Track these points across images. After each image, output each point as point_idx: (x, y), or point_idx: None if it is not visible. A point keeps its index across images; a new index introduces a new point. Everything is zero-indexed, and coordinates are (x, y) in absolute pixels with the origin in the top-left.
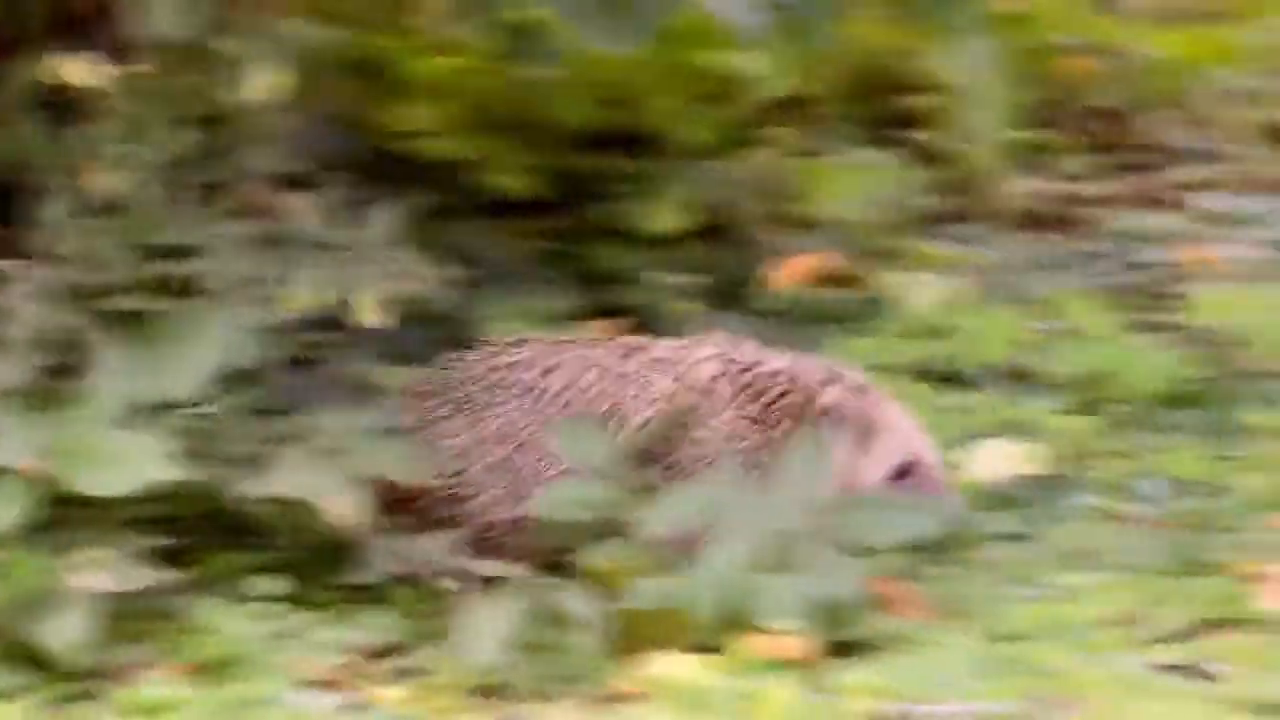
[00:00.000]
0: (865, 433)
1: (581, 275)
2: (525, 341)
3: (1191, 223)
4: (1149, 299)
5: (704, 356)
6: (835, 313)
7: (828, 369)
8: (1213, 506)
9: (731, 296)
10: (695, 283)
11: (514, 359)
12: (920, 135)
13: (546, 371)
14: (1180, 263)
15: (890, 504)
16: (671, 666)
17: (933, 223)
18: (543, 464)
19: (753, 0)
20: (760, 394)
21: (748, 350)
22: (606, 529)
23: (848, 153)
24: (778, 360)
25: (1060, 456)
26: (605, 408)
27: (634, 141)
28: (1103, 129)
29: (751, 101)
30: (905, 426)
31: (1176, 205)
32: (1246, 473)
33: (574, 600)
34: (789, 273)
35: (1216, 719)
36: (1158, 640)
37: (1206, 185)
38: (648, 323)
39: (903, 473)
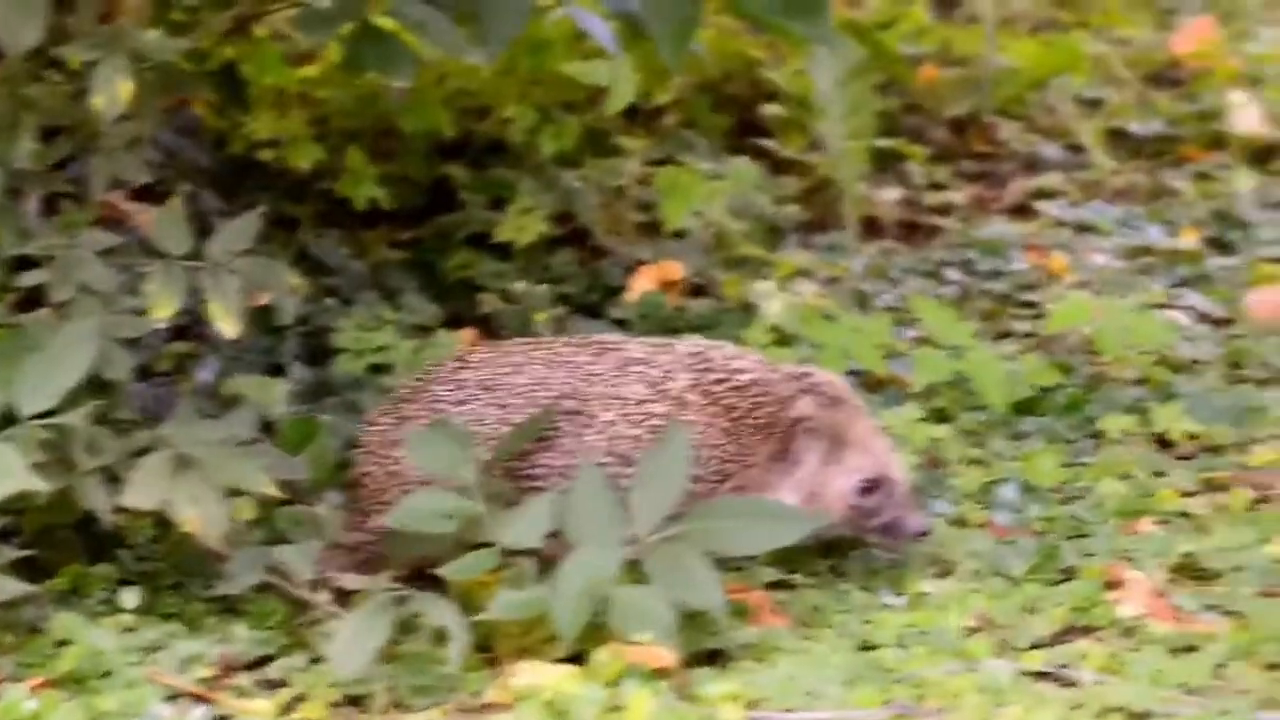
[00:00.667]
0: (834, 445)
1: (440, 284)
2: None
3: (1043, 230)
4: (1002, 307)
5: (678, 363)
6: (692, 321)
7: (802, 379)
8: (1069, 512)
9: (590, 305)
10: (554, 291)
11: (482, 359)
12: (776, 144)
13: (514, 370)
14: (1032, 271)
15: (753, 512)
16: (537, 677)
17: (789, 231)
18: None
19: (608, 10)
20: (732, 405)
21: (722, 358)
22: (467, 539)
23: (705, 162)
24: (753, 369)
25: (918, 465)
26: (572, 406)
27: (492, 150)
28: (954, 137)
29: (608, 111)
30: (875, 442)
31: (1028, 213)
32: (1101, 478)
33: (439, 611)
34: (646, 281)
35: None
36: (1022, 646)
37: (1057, 193)
38: (506, 332)
39: (869, 488)
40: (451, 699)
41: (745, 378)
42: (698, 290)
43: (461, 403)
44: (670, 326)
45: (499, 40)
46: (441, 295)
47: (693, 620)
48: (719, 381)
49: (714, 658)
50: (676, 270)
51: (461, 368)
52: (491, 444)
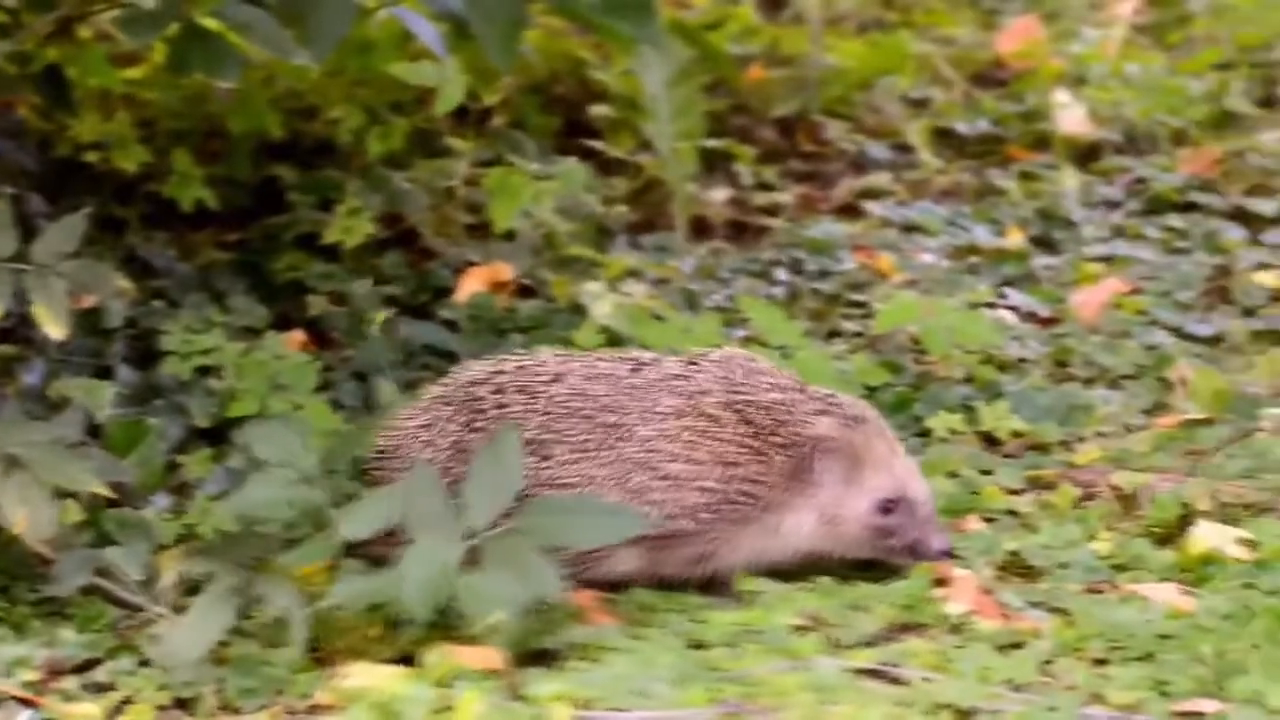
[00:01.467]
0: (853, 466)
1: (268, 286)
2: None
3: (870, 230)
4: (831, 306)
5: (712, 379)
6: (522, 323)
7: (826, 399)
8: None
9: (419, 306)
10: (382, 293)
11: (521, 368)
12: (605, 145)
13: (554, 379)
14: (860, 270)
15: (584, 508)
16: (368, 678)
17: (618, 232)
18: (547, 471)
19: (435, 11)
20: (757, 423)
21: (751, 374)
22: (305, 531)
23: (533, 163)
24: (779, 388)
25: None
26: (612, 420)
27: (320, 151)
28: (782, 138)
29: (436, 112)
30: (895, 462)
31: (856, 213)
32: (928, 477)
33: (280, 596)
34: (476, 282)
35: None
36: (851, 644)
37: (884, 193)
38: (336, 334)
39: (889, 508)
40: (280, 701)
41: (770, 397)
42: (527, 291)
43: (502, 406)
44: (499, 328)
45: (326, 41)
46: (270, 297)
47: (528, 618)
48: (748, 401)
49: (544, 657)
50: (506, 271)
51: (498, 372)
52: (531, 448)
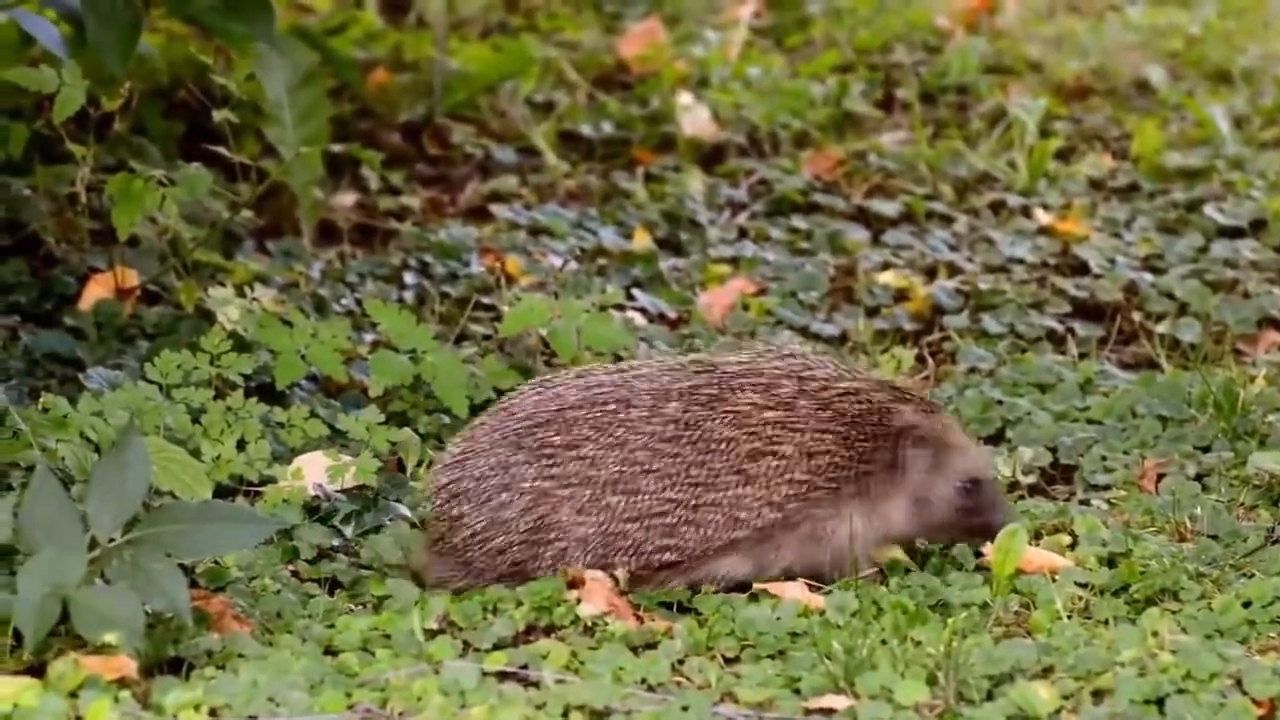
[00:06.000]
0: (939, 451)
1: None
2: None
3: (498, 233)
4: (460, 310)
5: (782, 372)
6: (148, 329)
7: (895, 388)
8: None
9: (43, 314)
10: (4, 301)
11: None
12: (229, 151)
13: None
14: (489, 273)
15: (212, 515)
16: None
17: (245, 237)
18: (638, 502)
19: (59, 14)
20: (840, 412)
21: (821, 366)
22: None
23: (157, 168)
24: (846, 375)
25: (379, 468)
26: (689, 435)
27: None
28: (408, 142)
29: (56, 117)
30: (970, 445)
31: (483, 216)
32: None
33: None
34: (100, 289)
35: None
36: (485, 647)
37: (511, 196)
38: None
39: (970, 489)
40: None
41: (845, 384)
42: (153, 298)
43: (574, 446)
44: (125, 335)
45: None
46: None
47: (154, 628)
48: (823, 388)
49: (176, 666)
50: (131, 277)
51: (560, 410)
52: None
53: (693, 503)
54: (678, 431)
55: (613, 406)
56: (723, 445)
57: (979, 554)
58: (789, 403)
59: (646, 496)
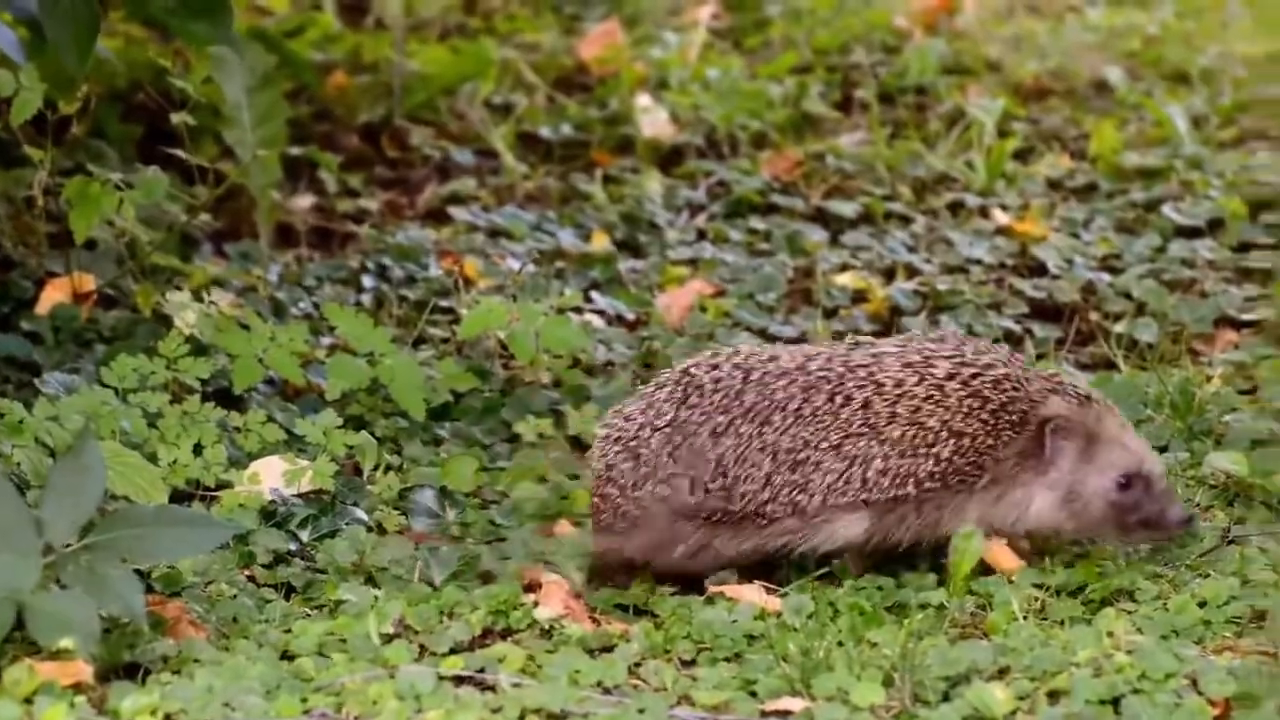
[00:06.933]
0: (1089, 444)
1: None
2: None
3: (457, 236)
4: (418, 313)
5: (939, 354)
6: (105, 333)
7: (1050, 379)
8: (487, 517)
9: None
10: None
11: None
12: (187, 154)
13: (770, 358)
14: (447, 276)
15: (169, 520)
16: None
17: (202, 241)
18: (768, 436)
19: (16, 17)
20: (988, 398)
21: (978, 352)
22: None
23: (114, 172)
24: (1004, 364)
25: (336, 472)
26: (829, 389)
27: None
28: (366, 144)
29: (13, 120)
30: (1129, 437)
31: (442, 219)
32: (518, 482)
33: None
34: (57, 293)
35: None
36: (442, 651)
37: (470, 198)
38: None
39: (1128, 483)
40: None
41: (998, 371)
42: (110, 302)
43: (718, 380)
44: (83, 339)
45: None
46: None
47: (109, 633)
48: (975, 375)
49: (131, 671)
50: (88, 281)
51: (714, 355)
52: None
53: (820, 444)
54: (814, 382)
55: (763, 356)
56: (857, 403)
57: (941, 556)
58: (940, 384)
59: (776, 430)
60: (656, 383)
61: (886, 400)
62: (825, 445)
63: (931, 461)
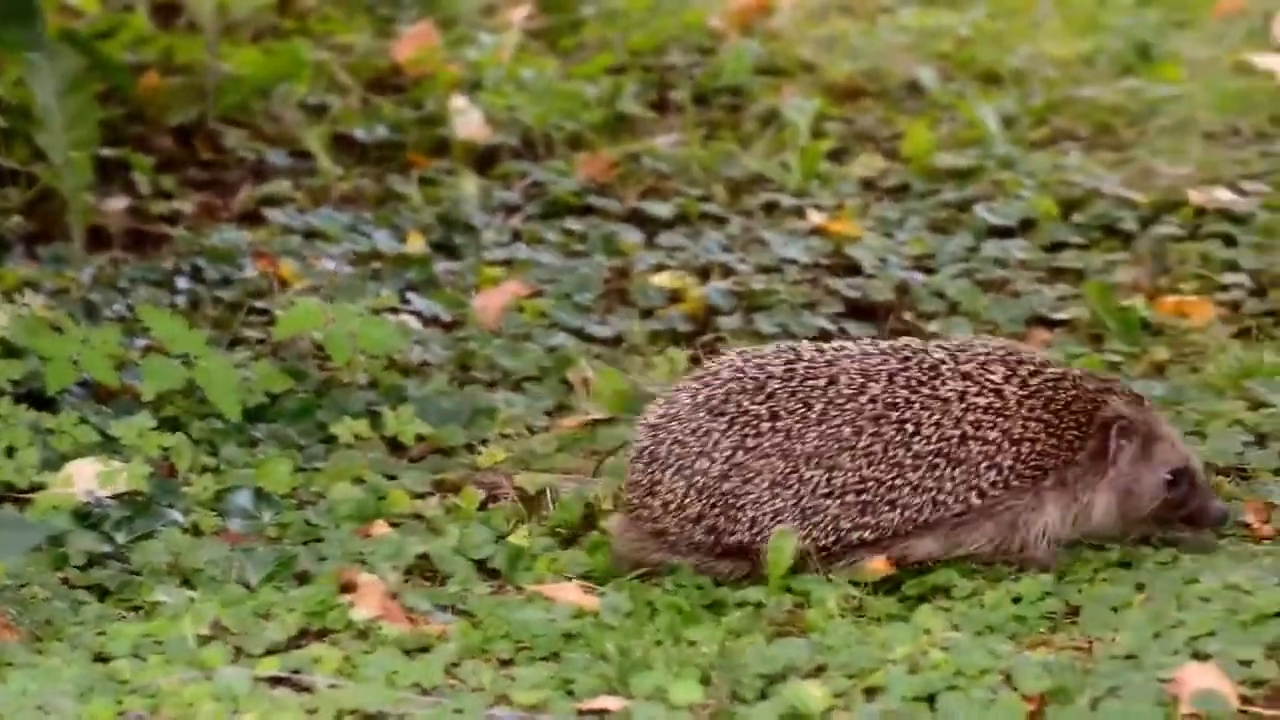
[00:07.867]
0: (1145, 443)
1: None
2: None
3: (272, 237)
4: (233, 314)
5: (990, 357)
6: None
7: (1099, 379)
8: (303, 518)
9: None
10: None
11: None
12: None
13: (830, 382)
14: (262, 277)
15: None
16: None
17: (14, 243)
18: (835, 478)
19: None
20: (1049, 399)
21: (1029, 353)
22: None
23: None
24: (1055, 364)
25: (151, 474)
26: (896, 415)
27: None
28: (180, 146)
29: None
30: (1175, 435)
31: (257, 220)
32: (333, 483)
33: None
34: None
35: None
36: (258, 653)
37: (285, 200)
38: None
39: (1176, 480)
40: None
41: (1055, 370)
42: None
43: (776, 417)
44: None
45: None
46: None
47: None
48: (1033, 374)
49: None
50: None
51: (768, 378)
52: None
53: (894, 482)
54: (882, 411)
55: (819, 382)
56: (928, 429)
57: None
58: (998, 389)
59: (844, 473)
60: (702, 404)
61: (954, 418)
62: (900, 482)
63: (993, 472)
